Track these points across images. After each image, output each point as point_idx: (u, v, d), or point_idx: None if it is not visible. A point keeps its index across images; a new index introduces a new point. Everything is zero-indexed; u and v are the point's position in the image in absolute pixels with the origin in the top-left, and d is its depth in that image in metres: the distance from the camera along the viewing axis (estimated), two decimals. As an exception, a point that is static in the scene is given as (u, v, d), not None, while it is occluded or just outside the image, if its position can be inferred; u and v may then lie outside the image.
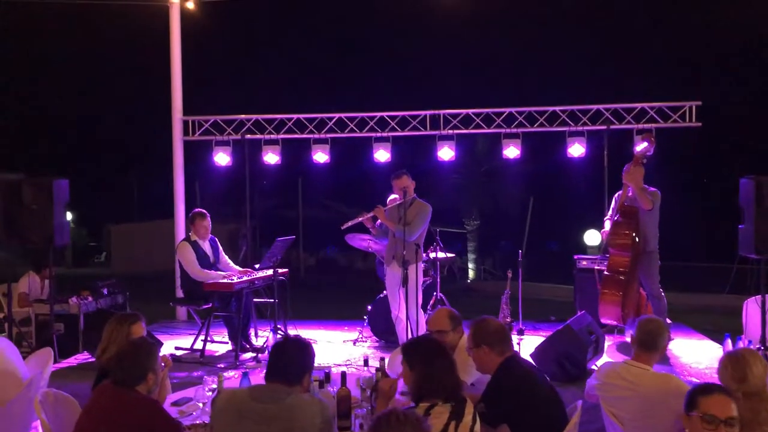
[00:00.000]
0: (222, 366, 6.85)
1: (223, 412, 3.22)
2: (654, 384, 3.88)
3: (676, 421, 3.85)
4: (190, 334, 8.18)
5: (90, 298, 8.13)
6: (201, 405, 4.18)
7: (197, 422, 3.95)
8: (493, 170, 25.12)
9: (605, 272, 7.51)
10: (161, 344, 3.82)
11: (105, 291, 8.42)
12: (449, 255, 8.29)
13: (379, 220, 7.13)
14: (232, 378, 6.17)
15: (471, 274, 25.33)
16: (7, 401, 4.37)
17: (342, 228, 7.24)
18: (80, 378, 6.43)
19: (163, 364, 3.81)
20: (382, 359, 4.35)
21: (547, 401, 3.82)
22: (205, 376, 4.40)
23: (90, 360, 7.18)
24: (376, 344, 7.86)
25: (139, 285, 8.92)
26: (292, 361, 3.28)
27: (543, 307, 9.51)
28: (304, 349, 3.36)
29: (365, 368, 4.56)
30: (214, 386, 4.37)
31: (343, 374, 4.04)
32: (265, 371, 3.32)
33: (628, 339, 7.70)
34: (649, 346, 4.03)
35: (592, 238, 21.19)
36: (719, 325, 8.49)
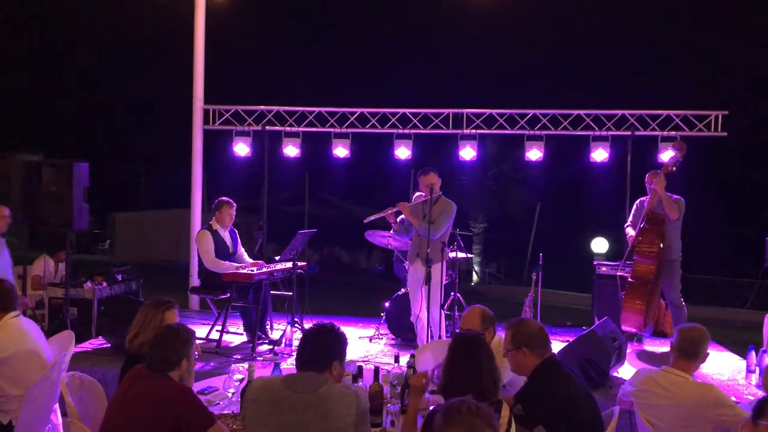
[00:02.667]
0: (238, 357, 6.78)
1: (257, 402, 3.15)
2: (694, 393, 3.81)
3: (714, 431, 3.79)
4: (203, 324, 8.13)
5: (104, 284, 8.09)
6: (230, 394, 4.10)
7: (225, 412, 3.88)
8: (500, 174, 25.07)
9: (630, 279, 7.43)
10: (194, 333, 3.74)
11: (119, 277, 8.37)
12: (469, 255, 8.21)
13: (402, 216, 7.05)
14: (262, 368, 6.09)
15: (475, 277, 25.26)
16: (32, 383, 4.29)
17: (364, 222, 7.16)
18: (95, 363, 6.39)
19: (197, 353, 3.75)
20: (412, 355, 4.27)
21: (584, 404, 3.74)
22: (231, 366, 4.35)
23: (104, 345, 7.11)
24: (393, 341, 7.79)
25: (143, 274, 8.82)
26: (322, 348, 3.23)
27: (553, 312, 9.41)
28: (335, 337, 3.29)
29: (395, 365, 4.47)
30: (241, 376, 4.30)
31: (376, 369, 3.97)
32: (295, 359, 3.26)
33: (659, 349, 7.67)
34: (690, 354, 3.96)
35: (599, 245, 21.19)
36: (739, 338, 8.40)
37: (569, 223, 24.00)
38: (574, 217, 23.65)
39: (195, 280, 9.02)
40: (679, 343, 4.00)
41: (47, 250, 8.65)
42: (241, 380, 4.21)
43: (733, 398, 4.46)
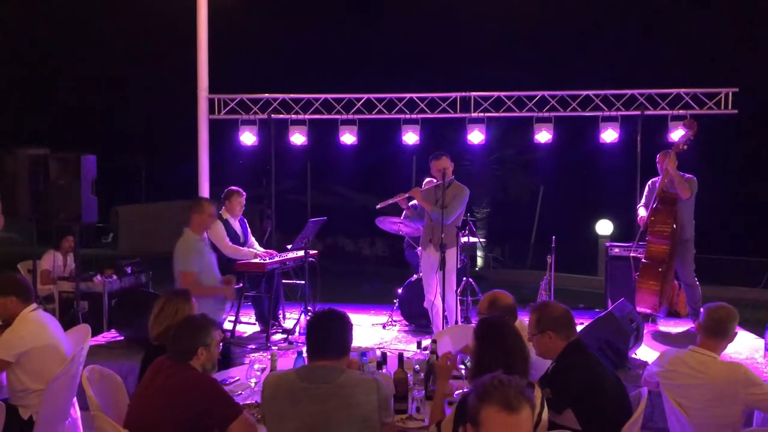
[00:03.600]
0: (253, 347, 6.75)
1: (275, 400, 3.12)
2: (722, 373, 3.78)
3: (744, 410, 3.76)
4: (215, 315, 8.08)
5: (114, 277, 8.05)
6: (252, 384, 4.06)
7: (249, 402, 3.84)
8: (503, 158, 24.94)
9: (643, 260, 7.39)
10: (218, 324, 3.71)
11: (129, 270, 8.33)
12: (481, 240, 8.16)
13: (414, 202, 6.99)
14: (283, 356, 6.04)
15: (479, 261, 25.23)
16: (52, 377, 4.27)
17: (377, 208, 7.11)
18: (110, 356, 6.36)
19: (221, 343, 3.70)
20: (433, 341, 4.23)
21: (612, 386, 3.70)
22: (250, 356, 4.30)
23: (117, 338, 7.08)
24: (406, 328, 7.76)
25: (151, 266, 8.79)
26: (330, 335, 3.19)
27: (563, 294, 9.34)
28: (341, 321, 3.25)
29: (418, 350, 4.43)
30: (262, 366, 4.26)
31: (400, 356, 3.93)
32: (306, 350, 3.22)
33: (674, 329, 7.63)
34: (717, 333, 3.93)
35: (604, 227, 21.14)
36: (754, 317, 8.36)
37: (574, 206, 23.92)
38: (578, 199, 23.58)
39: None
40: (706, 323, 3.97)
41: (53, 245, 8.61)
42: (263, 370, 4.16)
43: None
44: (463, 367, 4.28)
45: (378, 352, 4.38)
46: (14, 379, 4.30)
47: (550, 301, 3.98)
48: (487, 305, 4.37)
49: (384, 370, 4.12)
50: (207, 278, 5.93)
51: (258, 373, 4.15)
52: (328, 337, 3.19)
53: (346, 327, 3.27)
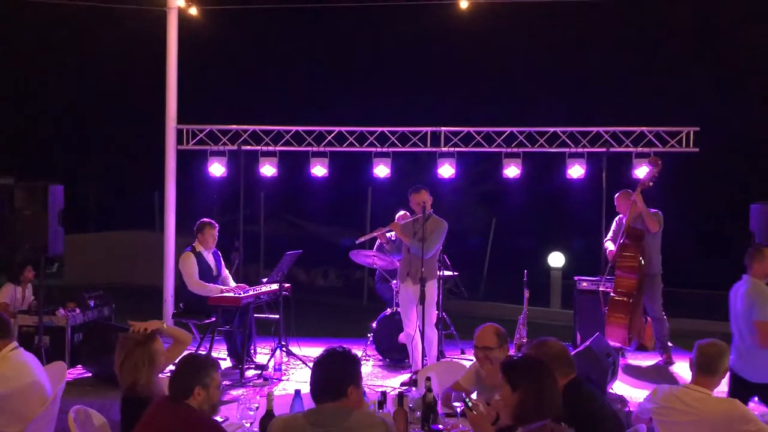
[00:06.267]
0: (228, 383, 6.60)
1: None
2: (718, 409, 3.84)
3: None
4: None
5: (78, 310, 7.79)
6: (247, 425, 3.96)
7: (244, 442, 3.76)
8: (457, 190, 25.19)
9: (612, 294, 7.52)
10: (217, 363, 3.62)
11: (92, 303, 8.08)
12: (454, 273, 8.21)
13: (392, 234, 7.00)
14: (282, 396, 5.90)
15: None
16: (32, 418, 4.10)
17: (356, 242, 7.09)
18: (81, 394, 6.17)
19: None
20: (428, 378, 4.20)
21: (611, 423, 3.73)
22: (242, 395, 4.21)
23: (85, 375, 6.85)
24: (381, 363, 7.70)
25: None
26: (332, 376, 3.16)
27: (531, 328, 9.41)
28: (344, 361, 3.22)
29: (413, 389, 4.40)
30: (255, 405, 4.16)
31: (400, 395, 3.89)
32: (310, 391, 3.18)
33: (643, 363, 7.74)
34: (709, 370, 3.98)
35: (555, 259, 21.46)
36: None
37: (526, 238, 24.22)
38: (531, 232, 23.88)
39: (170, 305, 8.79)
40: (698, 360, 4.03)
41: (9, 278, 8.30)
42: (256, 409, 4.07)
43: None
44: (458, 404, 4.26)
45: (381, 392, 4.32)
46: (-11, 421, 4.11)
47: (549, 338, 4.00)
48: (495, 337, 4.37)
49: (384, 410, 4.06)
50: None
51: (251, 413, 4.05)
52: (331, 377, 3.16)
53: (349, 365, 3.24)
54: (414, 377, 6.40)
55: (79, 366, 7.03)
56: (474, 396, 4.53)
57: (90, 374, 6.81)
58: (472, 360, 6.91)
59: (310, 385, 3.19)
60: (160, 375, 4.03)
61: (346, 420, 3.04)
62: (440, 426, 3.94)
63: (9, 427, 4.11)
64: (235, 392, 6.20)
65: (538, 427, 2.40)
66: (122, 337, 3.96)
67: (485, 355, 4.39)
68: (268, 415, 3.75)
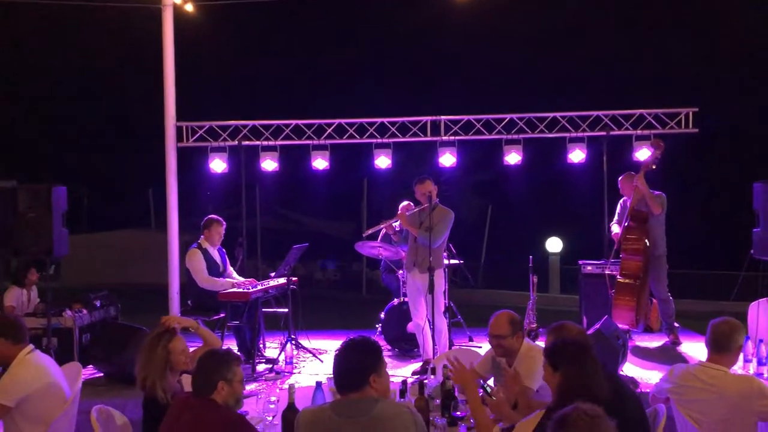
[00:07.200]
0: (240, 378, 6.60)
1: None
2: (736, 386, 3.87)
3: (760, 422, 3.86)
4: (192, 346, 7.89)
5: (84, 311, 7.78)
6: (270, 418, 3.98)
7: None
8: (448, 179, 25.20)
9: (618, 277, 7.56)
10: (239, 358, 3.63)
11: (98, 303, 8.08)
12: (460, 261, 8.23)
13: (399, 225, 7.01)
14: (301, 388, 5.91)
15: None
16: (52, 419, 4.11)
17: (363, 235, 7.10)
18: (94, 394, 6.13)
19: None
20: (445, 366, 4.22)
21: (632, 405, 3.76)
22: (261, 390, 4.23)
23: (96, 375, 6.85)
24: (390, 352, 7.72)
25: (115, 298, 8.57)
26: (353, 366, 3.18)
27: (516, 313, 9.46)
28: (363, 350, 3.24)
29: (432, 377, 4.42)
30: (274, 398, 4.18)
31: (421, 383, 3.92)
32: (334, 382, 3.21)
33: (651, 344, 7.78)
34: (724, 347, 4.01)
35: (553, 245, 21.51)
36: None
37: (523, 225, 24.27)
38: (528, 218, 23.92)
39: (176, 302, 8.79)
40: (711, 338, 4.06)
41: (13, 281, 8.28)
42: (276, 402, 4.08)
43: None
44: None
45: (402, 381, 4.34)
46: (10, 424, 4.11)
47: (567, 322, 4.02)
48: (509, 324, 4.38)
49: (406, 399, 4.09)
50: None
51: (272, 407, 4.06)
52: (352, 368, 3.17)
53: (370, 355, 3.25)
54: (426, 366, 6.42)
55: (90, 366, 7.01)
56: (491, 382, 4.57)
57: (101, 374, 6.80)
58: (480, 347, 6.98)
59: (334, 376, 3.21)
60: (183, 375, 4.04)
61: (373, 409, 3.06)
62: (460, 413, 3.96)
63: (31, 430, 4.11)
64: (248, 387, 6.19)
65: (570, 410, 2.42)
66: (146, 333, 4.01)
67: (498, 343, 4.42)
68: (291, 408, 3.77)
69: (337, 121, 9.07)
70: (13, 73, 21.74)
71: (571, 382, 3.16)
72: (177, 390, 3.93)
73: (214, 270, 7.20)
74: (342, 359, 3.22)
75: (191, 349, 4.11)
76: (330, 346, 7.97)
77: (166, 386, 3.81)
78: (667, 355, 7.37)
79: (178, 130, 9.05)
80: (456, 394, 4.11)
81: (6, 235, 6.99)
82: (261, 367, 7.05)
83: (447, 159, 8.93)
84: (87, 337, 7.46)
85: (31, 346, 4.27)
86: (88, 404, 4.97)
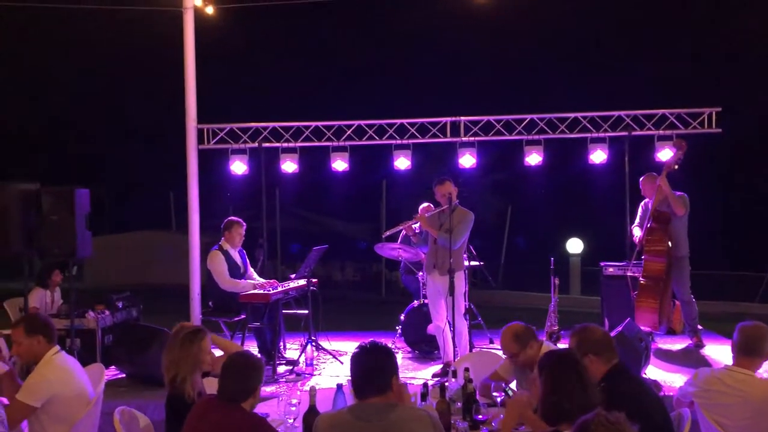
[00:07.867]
0: (260, 380, 6.62)
1: None
2: (762, 390, 3.83)
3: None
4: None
5: (107, 312, 7.85)
6: (291, 420, 3.98)
7: (289, 438, 3.77)
8: (466, 180, 25.12)
9: (641, 279, 7.49)
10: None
11: (120, 304, 8.15)
12: (480, 263, 8.20)
13: (419, 227, 6.99)
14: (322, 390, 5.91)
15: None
16: (76, 420, 4.14)
17: (383, 236, 7.10)
18: (116, 395, 6.17)
19: None
20: (466, 369, 4.20)
21: (656, 408, 3.72)
22: (282, 392, 4.23)
23: (118, 376, 6.90)
24: (410, 355, 7.71)
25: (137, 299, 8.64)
26: (373, 369, 3.17)
27: (536, 315, 9.38)
28: (381, 354, 3.24)
29: (453, 379, 4.40)
30: (295, 400, 4.18)
31: (442, 386, 3.90)
32: (353, 387, 3.19)
33: (674, 346, 7.69)
34: (752, 351, 3.96)
35: (574, 246, 21.36)
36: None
37: (543, 225, 24.13)
38: (548, 219, 23.79)
39: (197, 303, 8.83)
40: (740, 341, 4.01)
41: (37, 282, 8.37)
42: (297, 404, 4.08)
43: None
44: (496, 394, 4.26)
45: (424, 384, 4.32)
46: (35, 423, 4.15)
47: (590, 324, 3.99)
48: (513, 343, 4.34)
49: (428, 402, 4.07)
50: None
51: (293, 409, 4.06)
52: (374, 372, 3.17)
53: (388, 358, 3.24)
54: (446, 369, 6.40)
55: (113, 367, 7.06)
56: (513, 386, 4.54)
57: (123, 375, 6.85)
58: (500, 349, 6.93)
59: (353, 381, 3.20)
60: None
61: (392, 413, 3.05)
62: (482, 416, 3.94)
63: (55, 430, 4.15)
64: (268, 389, 6.21)
65: (591, 416, 2.40)
66: (174, 330, 4.02)
67: (512, 360, 4.40)
68: (312, 410, 3.76)
69: (356, 122, 9.07)
70: (37, 75, 21.99)
71: (543, 390, 3.14)
72: (202, 389, 3.95)
73: (234, 271, 7.23)
74: (361, 364, 3.21)
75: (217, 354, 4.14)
76: (350, 347, 7.96)
77: (195, 384, 3.83)
78: (691, 358, 7.29)
79: (199, 132, 9.10)
80: (477, 397, 4.09)
81: (30, 237, 7.07)
82: (281, 369, 7.06)
83: (467, 160, 8.90)
84: (109, 338, 7.52)
85: (57, 347, 4.32)
86: (110, 405, 5.02)
